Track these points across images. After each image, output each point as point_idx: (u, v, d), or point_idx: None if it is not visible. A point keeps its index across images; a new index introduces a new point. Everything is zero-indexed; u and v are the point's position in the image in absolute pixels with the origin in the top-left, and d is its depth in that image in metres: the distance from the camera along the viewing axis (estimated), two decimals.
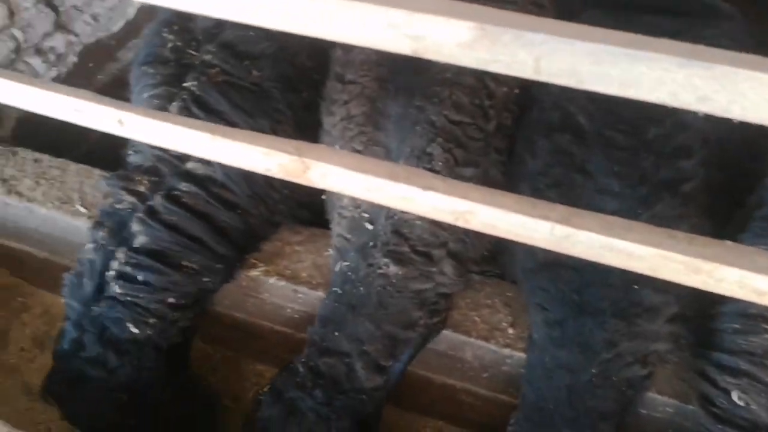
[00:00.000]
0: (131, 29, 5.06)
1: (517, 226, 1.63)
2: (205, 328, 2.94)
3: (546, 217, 1.59)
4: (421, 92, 2.23)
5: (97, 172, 3.06)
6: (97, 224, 2.49)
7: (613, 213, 1.99)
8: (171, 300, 2.43)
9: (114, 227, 2.44)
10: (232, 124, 2.48)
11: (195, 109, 2.47)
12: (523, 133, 2.44)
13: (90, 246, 2.46)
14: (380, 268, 2.26)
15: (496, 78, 2.27)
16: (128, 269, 2.37)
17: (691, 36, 2.26)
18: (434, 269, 2.32)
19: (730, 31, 2.45)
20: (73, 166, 3.11)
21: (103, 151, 3.12)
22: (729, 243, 1.52)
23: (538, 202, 1.63)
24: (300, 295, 2.61)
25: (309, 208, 2.75)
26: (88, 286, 2.40)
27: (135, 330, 2.37)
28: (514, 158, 2.43)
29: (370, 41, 1.38)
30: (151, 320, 2.38)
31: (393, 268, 2.26)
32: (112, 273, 2.38)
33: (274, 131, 2.57)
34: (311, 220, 2.83)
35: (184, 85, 2.54)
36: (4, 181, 3.02)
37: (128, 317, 2.36)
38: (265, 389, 2.37)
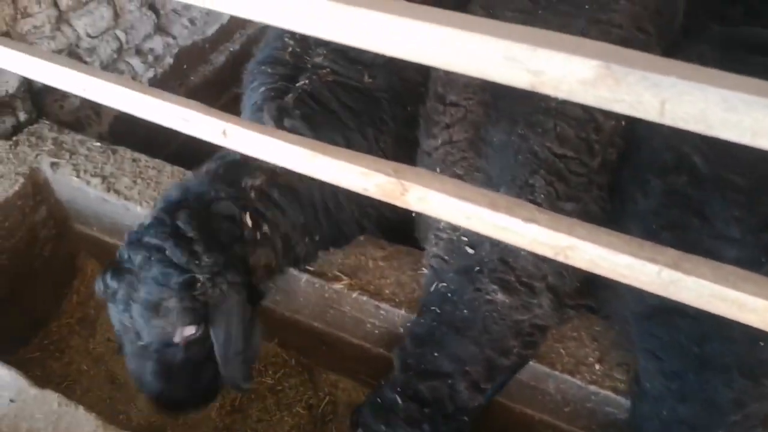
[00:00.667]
0: (224, 33, 5.20)
1: (621, 266, 1.58)
2: (283, 335, 2.97)
3: (653, 260, 1.54)
4: (525, 120, 2.20)
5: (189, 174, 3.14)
6: None
7: (732, 261, 1.89)
8: None
9: None
10: (339, 120, 2.54)
11: (308, 100, 2.55)
12: (633, 171, 2.37)
13: None
14: (488, 294, 2.26)
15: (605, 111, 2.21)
16: None
17: None
18: (535, 301, 2.31)
19: None
20: (168, 168, 3.19)
21: (189, 150, 3.20)
22: None
23: (645, 243, 1.58)
24: (382, 312, 2.61)
25: (397, 220, 2.75)
26: None
27: None
28: (624, 196, 2.37)
29: (487, 73, 1.36)
30: None
31: (501, 296, 2.25)
32: None
33: (376, 139, 2.60)
34: (397, 231, 2.83)
35: (297, 84, 2.64)
36: (104, 178, 3.13)
37: None
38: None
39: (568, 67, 1.26)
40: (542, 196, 2.23)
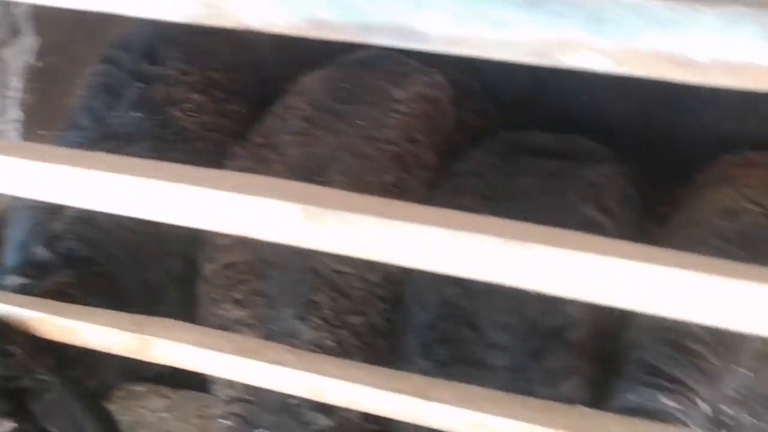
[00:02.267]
0: None
1: (373, 400, 1.55)
2: None
3: (400, 390, 1.52)
4: None
5: None
6: None
7: (503, 368, 1.95)
8: None
9: None
10: None
11: None
12: (411, 282, 2.39)
13: None
14: (314, 424, 2.13)
15: None
16: None
17: (570, 177, 2.33)
18: (350, 415, 2.20)
19: (612, 173, 2.53)
20: None
21: None
22: (584, 410, 1.49)
23: (392, 373, 1.57)
24: None
25: None
26: None
27: None
28: (404, 309, 2.37)
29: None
30: None
31: (324, 421, 2.13)
32: None
33: None
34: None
35: None
36: None
37: None
38: None
39: (271, 212, 1.25)
40: (328, 312, 2.18)
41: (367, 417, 2.34)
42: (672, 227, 2.26)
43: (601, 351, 2.18)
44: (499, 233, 1.14)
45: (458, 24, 0.95)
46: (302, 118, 2.62)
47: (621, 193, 2.42)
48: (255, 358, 1.58)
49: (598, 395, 2.05)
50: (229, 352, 1.60)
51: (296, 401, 2.11)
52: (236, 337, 1.63)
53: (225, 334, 1.68)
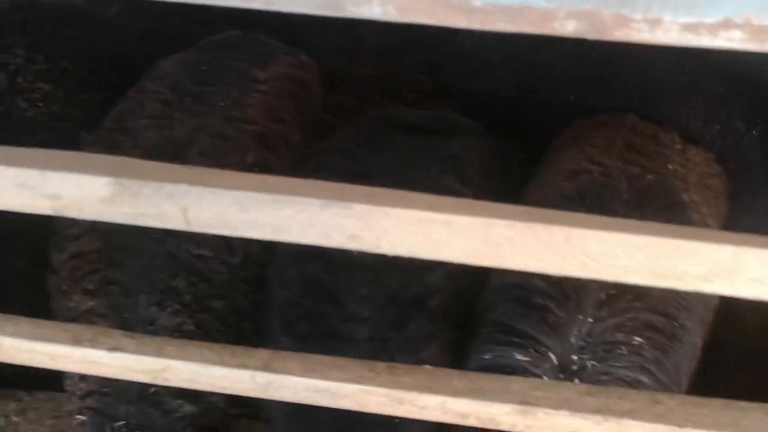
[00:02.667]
0: None
1: (218, 378, 1.52)
2: None
3: (245, 365, 1.50)
4: None
5: None
6: None
7: (364, 340, 1.96)
8: None
9: None
10: None
11: None
12: (274, 261, 2.36)
13: None
14: (177, 411, 2.06)
15: None
16: None
17: (434, 151, 2.35)
18: (214, 399, 2.16)
19: (476, 146, 2.56)
20: None
21: None
22: (428, 369, 1.51)
23: (237, 349, 1.54)
24: None
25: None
26: None
27: None
28: (268, 289, 2.34)
29: (6, 203, 1.24)
30: None
31: (188, 408, 2.06)
32: None
33: None
34: None
35: None
36: None
37: None
38: None
39: (84, 188, 1.19)
40: (188, 297, 2.13)
41: (234, 401, 2.31)
42: (524, 192, 2.33)
43: (461, 317, 2.23)
44: (311, 195, 1.14)
45: None
46: (160, 101, 2.53)
47: (483, 164, 2.46)
48: (92, 347, 1.52)
49: (461, 360, 2.10)
50: (64, 343, 1.53)
51: (156, 389, 2.06)
52: (71, 326, 1.56)
53: (59, 324, 1.61)
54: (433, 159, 2.32)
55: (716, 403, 1.21)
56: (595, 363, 1.71)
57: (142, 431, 2.09)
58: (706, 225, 2.10)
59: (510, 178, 2.50)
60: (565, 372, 1.72)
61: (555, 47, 2.69)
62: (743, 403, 1.21)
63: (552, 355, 1.75)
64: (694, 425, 1.17)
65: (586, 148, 2.32)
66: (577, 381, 1.65)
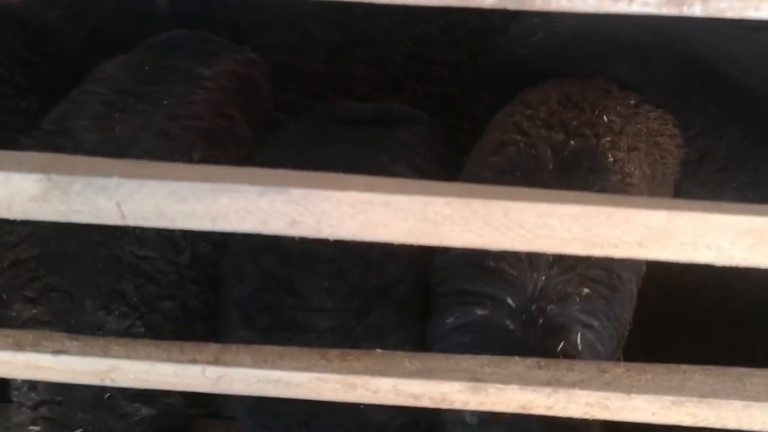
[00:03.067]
0: None
1: (168, 375, 1.50)
2: None
3: (194, 360, 1.48)
4: (99, 226, 2.03)
5: None
6: None
7: (327, 330, 1.96)
8: None
9: None
10: None
11: None
12: (228, 257, 2.33)
13: None
14: (135, 415, 2.02)
15: None
16: None
17: (383, 141, 2.33)
18: (171, 401, 2.12)
19: (425, 134, 2.57)
20: None
21: None
22: (379, 352, 1.50)
23: (186, 344, 1.52)
24: None
25: None
26: None
27: None
28: (224, 284, 2.32)
29: None
30: None
31: (146, 410, 2.03)
32: None
33: None
34: None
35: None
36: None
37: None
38: None
39: (13, 186, 1.16)
40: (135, 299, 2.09)
41: (193, 401, 2.28)
42: (463, 168, 2.35)
43: (424, 306, 2.23)
44: (248, 182, 1.12)
45: None
46: (101, 102, 2.47)
47: (432, 152, 2.47)
48: (35, 351, 1.48)
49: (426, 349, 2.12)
50: (6, 349, 1.49)
51: (111, 394, 2.02)
52: (12, 332, 1.52)
53: (2, 330, 1.56)
54: (382, 149, 2.32)
55: (660, 369, 1.23)
56: (552, 307, 1.78)
57: None
58: (630, 185, 2.16)
59: (460, 165, 2.52)
60: (526, 316, 1.78)
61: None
62: (685, 366, 1.23)
63: (510, 302, 1.80)
64: (640, 390, 1.19)
65: (516, 118, 2.36)
66: (539, 324, 1.73)
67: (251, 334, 2.06)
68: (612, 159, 2.18)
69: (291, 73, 3.76)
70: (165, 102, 2.52)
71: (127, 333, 2.02)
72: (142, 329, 2.07)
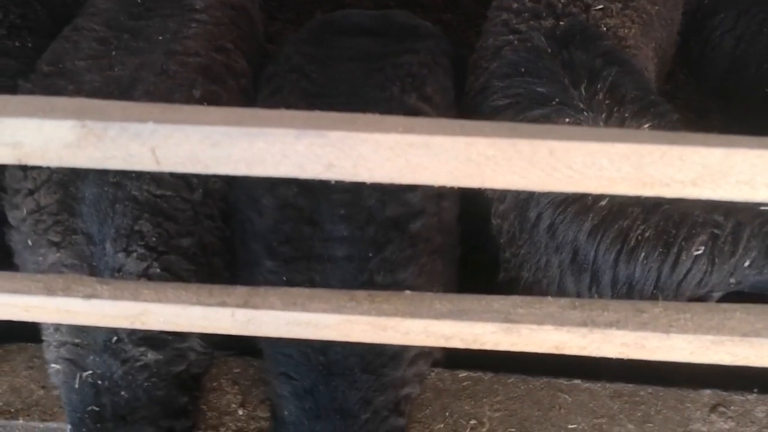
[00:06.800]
0: None
1: (197, 318, 1.50)
2: None
3: (224, 304, 1.48)
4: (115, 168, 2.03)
5: None
6: None
7: (344, 259, 1.97)
8: None
9: None
10: None
11: None
12: (246, 191, 2.32)
13: None
14: (138, 360, 2.04)
15: None
16: None
17: (391, 65, 2.27)
18: (186, 345, 2.15)
19: (430, 48, 2.53)
20: None
21: None
22: (408, 294, 1.51)
23: (215, 288, 1.52)
24: None
25: None
26: None
27: None
28: (243, 218, 2.31)
29: None
30: None
31: (152, 355, 2.05)
32: None
33: None
34: None
35: None
36: None
37: None
38: None
39: (47, 134, 1.14)
40: (154, 239, 2.09)
41: (216, 344, 2.30)
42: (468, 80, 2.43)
43: (442, 241, 2.24)
44: (284, 125, 1.10)
45: None
46: (96, 39, 2.43)
47: (441, 82, 2.44)
48: (66, 295, 1.48)
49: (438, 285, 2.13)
50: (38, 294, 1.48)
51: (118, 337, 2.04)
52: (42, 277, 1.51)
53: (30, 275, 1.56)
54: (392, 77, 2.28)
55: (698, 308, 1.24)
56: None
57: (102, 381, 2.08)
58: (626, 47, 2.27)
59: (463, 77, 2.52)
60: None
61: None
62: (725, 305, 1.24)
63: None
64: (679, 330, 1.20)
65: (504, 16, 2.38)
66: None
67: (275, 264, 2.06)
68: (605, 27, 2.26)
69: (280, 3, 3.69)
70: (160, 38, 2.45)
71: (144, 274, 2.04)
72: (159, 270, 2.09)
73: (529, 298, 1.35)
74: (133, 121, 1.12)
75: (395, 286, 1.93)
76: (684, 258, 1.76)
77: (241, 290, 1.50)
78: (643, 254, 1.82)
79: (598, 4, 2.26)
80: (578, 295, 1.99)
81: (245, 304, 1.47)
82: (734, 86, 2.77)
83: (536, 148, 1.02)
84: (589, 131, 1.02)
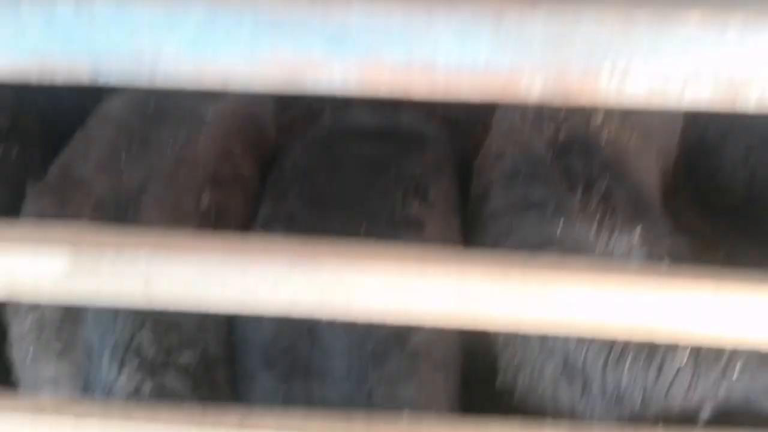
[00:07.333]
0: None
1: None
2: None
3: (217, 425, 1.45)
4: None
5: None
6: None
7: (344, 375, 1.93)
8: None
9: None
10: None
11: None
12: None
13: None
14: None
15: None
16: None
17: (395, 169, 2.29)
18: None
19: (436, 153, 2.57)
20: None
21: None
22: (406, 420, 1.48)
23: (206, 414, 1.49)
24: None
25: None
26: None
27: None
28: (240, 325, 2.29)
29: None
30: None
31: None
32: None
33: None
34: None
35: None
36: None
37: None
38: None
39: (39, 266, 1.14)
40: (150, 350, 2.05)
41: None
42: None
43: (444, 355, 2.20)
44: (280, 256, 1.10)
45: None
46: (106, 146, 2.46)
47: (445, 185, 2.45)
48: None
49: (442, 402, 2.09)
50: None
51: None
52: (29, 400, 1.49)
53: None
54: (395, 185, 2.29)
55: None
56: None
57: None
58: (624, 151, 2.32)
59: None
60: None
61: None
62: None
63: None
64: None
65: (508, 120, 2.44)
66: None
67: (272, 376, 2.03)
68: (604, 137, 2.32)
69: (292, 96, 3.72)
70: (170, 146, 2.48)
71: (136, 393, 1.99)
72: (154, 388, 2.04)
73: (528, 424, 1.32)
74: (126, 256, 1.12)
75: (396, 401, 1.90)
76: (667, 365, 1.75)
77: (235, 413, 1.47)
78: (628, 362, 1.80)
79: (599, 115, 2.33)
80: (571, 405, 1.95)
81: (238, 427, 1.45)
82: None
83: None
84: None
